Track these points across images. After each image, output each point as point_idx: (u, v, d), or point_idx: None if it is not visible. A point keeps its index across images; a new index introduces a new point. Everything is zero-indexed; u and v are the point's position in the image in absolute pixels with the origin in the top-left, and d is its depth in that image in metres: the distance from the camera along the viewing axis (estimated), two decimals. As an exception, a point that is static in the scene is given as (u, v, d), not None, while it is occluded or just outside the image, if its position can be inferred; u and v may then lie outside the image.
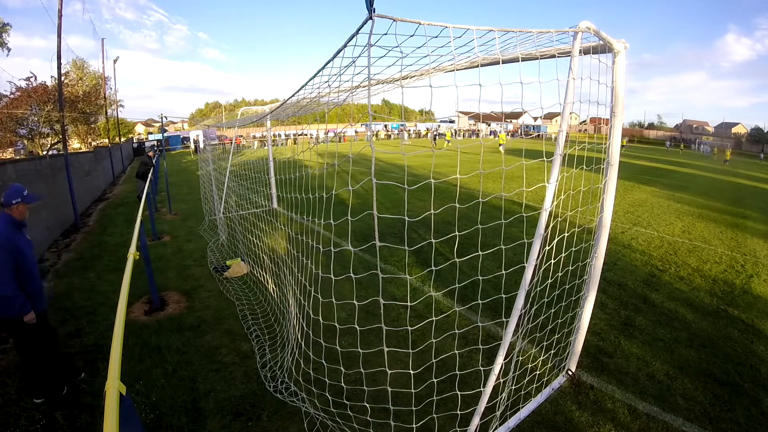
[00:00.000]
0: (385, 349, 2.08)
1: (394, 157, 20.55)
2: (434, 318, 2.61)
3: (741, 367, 3.24)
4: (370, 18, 1.41)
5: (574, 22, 2.07)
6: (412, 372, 2.26)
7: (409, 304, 2.14)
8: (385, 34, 1.53)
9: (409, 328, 2.27)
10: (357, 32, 1.53)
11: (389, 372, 2.13)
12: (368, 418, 2.36)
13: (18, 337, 2.71)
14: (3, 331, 2.72)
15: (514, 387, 2.48)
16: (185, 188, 12.64)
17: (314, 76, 2.19)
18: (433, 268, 2.63)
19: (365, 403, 2.36)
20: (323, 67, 2.00)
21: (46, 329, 2.83)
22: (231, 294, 4.44)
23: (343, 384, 2.57)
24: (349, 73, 2.17)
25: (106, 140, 25.30)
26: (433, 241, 2.08)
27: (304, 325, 2.69)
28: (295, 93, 2.78)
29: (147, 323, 3.86)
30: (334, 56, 1.79)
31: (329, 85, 2.48)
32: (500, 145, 24.74)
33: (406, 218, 1.87)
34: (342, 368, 2.58)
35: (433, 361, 2.33)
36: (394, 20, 1.47)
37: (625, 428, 2.58)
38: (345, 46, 1.66)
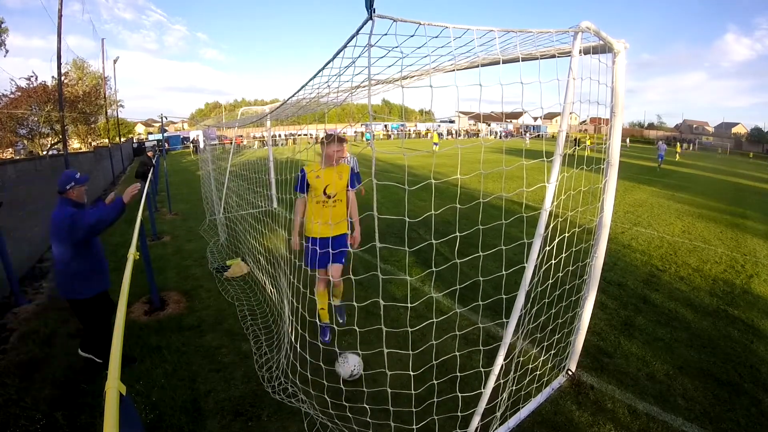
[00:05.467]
0: (385, 351, 2.08)
1: (393, 157, 20.54)
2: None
3: (741, 367, 3.24)
4: (370, 18, 1.41)
5: (575, 22, 2.08)
6: (412, 373, 2.26)
7: (409, 305, 2.14)
8: (385, 34, 1.53)
9: (410, 329, 2.27)
10: (357, 33, 1.52)
11: (389, 373, 2.13)
12: (368, 419, 2.35)
13: (89, 314, 2.93)
14: (77, 312, 2.96)
15: (514, 387, 2.48)
16: (185, 188, 12.64)
17: (314, 77, 2.19)
18: (434, 269, 2.63)
19: (365, 404, 2.36)
20: (323, 68, 2.00)
21: (111, 304, 3.07)
22: (230, 295, 4.44)
23: (342, 386, 2.57)
24: (348, 74, 2.17)
25: (106, 140, 25.29)
26: (434, 241, 2.08)
27: (298, 327, 2.68)
28: (295, 93, 2.78)
29: (147, 323, 3.86)
30: (334, 57, 1.79)
31: (329, 86, 2.48)
32: (434, 143, 25.93)
33: (407, 219, 1.87)
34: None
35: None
36: (394, 20, 1.47)
37: (625, 428, 2.58)
38: (345, 46, 1.66)
